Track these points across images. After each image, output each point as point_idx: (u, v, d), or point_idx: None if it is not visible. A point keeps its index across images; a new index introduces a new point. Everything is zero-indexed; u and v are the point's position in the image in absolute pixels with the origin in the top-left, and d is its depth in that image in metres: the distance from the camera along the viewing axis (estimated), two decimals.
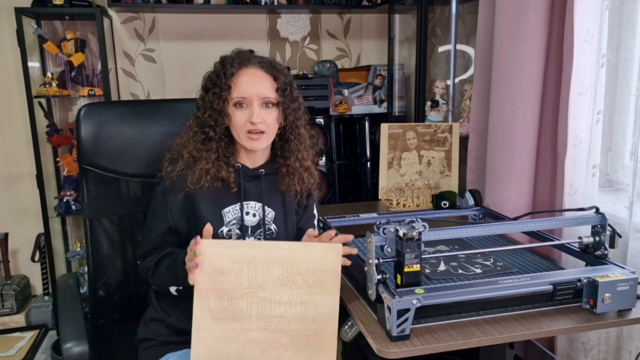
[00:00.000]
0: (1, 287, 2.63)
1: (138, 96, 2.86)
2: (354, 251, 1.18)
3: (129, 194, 1.56)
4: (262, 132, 1.24)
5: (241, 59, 1.25)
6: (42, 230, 2.58)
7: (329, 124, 2.74)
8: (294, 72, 2.92)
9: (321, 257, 1.10)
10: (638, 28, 1.51)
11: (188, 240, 1.14)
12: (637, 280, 1.11)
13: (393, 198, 1.91)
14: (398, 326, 1.01)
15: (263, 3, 2.70)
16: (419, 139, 1.93)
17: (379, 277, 1.08)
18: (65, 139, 2.64)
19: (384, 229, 1.11)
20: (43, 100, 2.60)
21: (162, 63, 2.87)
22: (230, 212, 1.28)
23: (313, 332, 1.11)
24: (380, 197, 1.93)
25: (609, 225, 1.24)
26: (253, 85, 1.23)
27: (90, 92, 2.56)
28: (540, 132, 1.62)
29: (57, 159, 2.69)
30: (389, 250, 1.11)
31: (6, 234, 2.66)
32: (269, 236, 1.31)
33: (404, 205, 1.90)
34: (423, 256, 1.09)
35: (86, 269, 1.58)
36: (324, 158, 2.75)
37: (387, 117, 2.77)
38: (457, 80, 2.27)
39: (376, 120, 2.77)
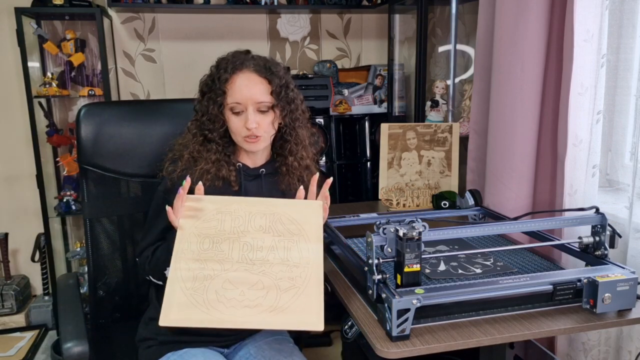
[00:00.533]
0: (1, 287, 2.63)
1: (138, 96, 2.86)
2: (329, 181, 1.20)
3: (129, 194, 1.57)
4: (257, 137, 1.25)
5: (235, 63, 1.25)
6: (42, 230, 2.58)
7: (329, 124, 2.74)
8: (294, 72, 2.92)
9: (303, 210, 1.14)
10: (638, 28, 1.51)
11: None
12: (637, 280, 1.10)
13: (393, 198, 1.91)
14: (398, 326, 1.01)
15: (263, 3, 2.70)
16: (419, 139, 1.93)
17: (379, 277, 1.08)
18: (65, 139, 2.64)
19: (384, 229, 1.11)
20: (43, 100, 2.60)
21: (162, 63, 2.87)
22: None
23: (297, 275, 1.08)
24: (380, 197, 1.93)
25: (609, 225, 1.24)
26: (247, 90, 1.23)
27: (90, 92, 2.56)
28: (540, 132, 1.62)
29: (57, 159, 2.69)
30: (389, 250, 1.11)
31: (6, 234, 2.66)
32: None
33: (404, 205, 1.90)
34: (423, 256, 1.09)
35: (86, 269, 1.59)
36: (324, 158, 2.75)
37: (387, 117, 2.77)
38: (457, 80, 2.27)
39: (376, 120, 2.76)
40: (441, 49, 2.54)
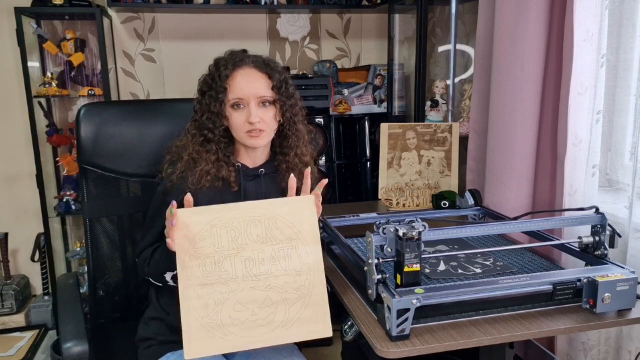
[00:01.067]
0: (1, 287, 2.63)
1: (138, 96, 2.86)
2: (324, 181, 1.19)
3: (129, 194, 1.57)
4: (261, 131, 1.25)
5: (235, 60, 1.26)
6: (42, 230, 2.59)
7: (329, 124, 2.74)
8: (294, 72, 2.92)
9: (295, 209, 1.13)
10: (638, 28, 1.51)
11: None
12: (637, 280, 1.10)
13: (393, 198, 1.91)
14: (398, 326, 1.01)
15: (263, 3, 2.70)
16: (419, 139, 1.93)
17: (379, 277, 1.08)
18: (65, 139, 2.64)
19: (384, 229, 1.11)
20: (43, 100, 2.60)
21: (162, 63, 2.87)
22: None
23: (302, 284, 1.10)
24: (380, 197, 1.93)
25: (609, 225, 1.24)
26: (249, 86, 1.24)
27: (90, 92, 2.56)
28: (540, 132, 1.62)
29: (57, 159, 2.69)
30: (389, 250, 1.11)
31: (6, 234, 2.66)
32: None
33: (404, 205, 1.90)
34: (423, 256, 1.09)
35: (86, 269, 1.59)
36: (324, 158, 2.75)
37: (387, 117, 2.77)
38: (457, 80, 2.27)
39: (376, 120, 2.76)
40: (441, 49, 2.54)
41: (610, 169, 1.64)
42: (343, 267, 1.37)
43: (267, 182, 1.34)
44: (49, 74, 2.59)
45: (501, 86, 1.64)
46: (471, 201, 1.71)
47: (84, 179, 1.51)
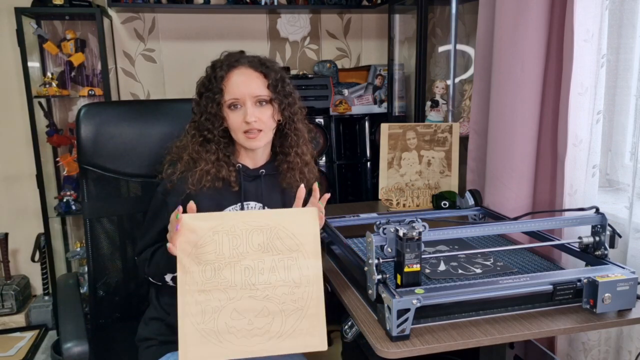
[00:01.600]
0: (1, 287, 2.63)
1: (138, 96, 2.86)
2: (327, 195, 1.20)
3: (129, 194, 1.57)
4: (259, 131, 1.25)
5: (230, 61, 1.26)
6: (42, 230, 2.59)
7: (329, 124, 2.74)
8: (294, 72, 2.92)
9: (298, 221, 1.12)
10: (638, 28, 1.51)
11: None
12: (637, 280, 1.10)
13: (393, 198, 1.91)
14: (398, 326, 1.01)
15: (263, 3, 2.70)
16: (419, 139, 1.93)
17: (379, 277, 1.08)
18: (65, 139, 2.64)
19: (384, 229, 1.11)
20: (43, 100, 2.60)
21: (162, 63, 2.87)
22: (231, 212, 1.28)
23: (300, 296, 1.10)
24: (380, 197, 1.93)
25: (609, 225, 1.24)
26: (244, 85, 1.24)
27: (90, 92, 2.56)
28: (540, 132, 1.62)
29: (57, 159, 2.69)
30: (389, 250, 1.11)
31: (6, 234, 2.66)
32: None
33: (404, 205, 1.90)
34: (423, 256, 1.09)
35: (86, 269, 1.58)
36: (324, 158, 2.75)
37: (387, 117, 2.77)
38: (457, 80, 2.27)
39: (376, 120, 2.76)
40: (441, 49, 2.54)
41: (610, 169, 1.64)
42: (343, 267, 1.37)
43: (268, 183, 1.34)
44: (49, 74, 2.59)
45: (501, 86, 1.64)
46: (471, 201, 1.71)
47: (84, 179, 1.51)
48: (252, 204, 1.31)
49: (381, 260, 1.10)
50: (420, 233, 1.08)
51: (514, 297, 1.12)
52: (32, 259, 2.56)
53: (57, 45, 2.60)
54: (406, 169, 1.93)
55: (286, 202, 1.35)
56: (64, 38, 2.62)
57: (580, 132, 1.45)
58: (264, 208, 1.31)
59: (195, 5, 2.70)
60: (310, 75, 2.72)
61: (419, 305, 1.02)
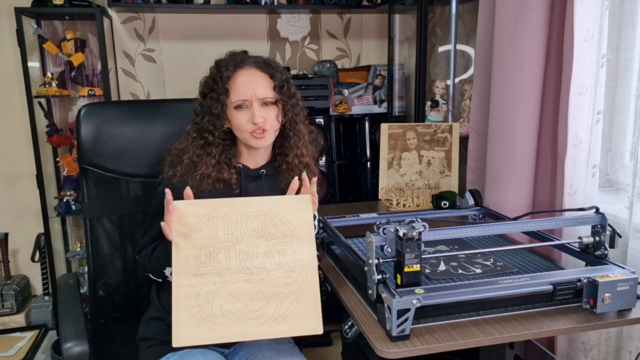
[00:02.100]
0: (1, 287, 2.63)
1: (138, 96, 2.86)
2: (314, 179, 1.22)
3: (129, 194, 1.57)
4: (265, 131, 1.25)
5: (235, 61, 1.26)
6: (42, 230, 2.58)
7: (329, 124, 2.74)
8: (294, 72, 2.92)
9: (292, 207, 1.14)
10: (638, 28, 1.51)
11: None
12: (637, 280, 1.10)
13: (393, 198, 1.91)
14: (398, 326, 1.01)
15: (263, 3, 2.70)
16: (419, 139, 1.93)
17: (379, 277, 1.08)
18: (65, 139, 2.64)
19: (384, 229, 1.11)
20: (43, 100, 2.60)
21: (162, 63, 2.87)
22: None
23: (294, 280, 1.11)
24: (380, 197, 1.93)
25: (609, 225, 1.24)
26: (251, 86, 1.24)
27: (90, 92, 2.56)
28: (540, 132, 1.62)
29: (57, 159, 2.69)
30: (389, 250, 1.11)
31: (6, 234, 2.66)
32: None
33: (404, 205, 1.90)
34: (423, 256, 1.09)
35: (86, 269, 1.58)
36: (324, 158, 2.75)
37: (387, 117, 2.77)
38: (457, 80, 2.27)
39: (376, 120, 2.76)
40: (441, 49, 2.54)
41: (610, 169, 1.64)
42: (343, 267, 1.37)
43: (268, 183, 1.34)
44: (49, 74, 2.59)
45: (501, 86, 1.64)
46: (471, 201, 1.71)
47: (84, 179, 1.51)
48: None
49: (381, 260, 1.10)
50: (420, 233, 1.08)
51: (514, 297, 1.12)
52: (32, 259, 2.56)
53: (57, 45, 2.60)
54: (406, 169, 1.94)
55: None
56: (64, 38, 2.62)
57: (580, 132, 1.45)
58: None
59: (195, 5, 2.70)
60: (310, 75, 2.72)
61: (419, 305, 1.02)
